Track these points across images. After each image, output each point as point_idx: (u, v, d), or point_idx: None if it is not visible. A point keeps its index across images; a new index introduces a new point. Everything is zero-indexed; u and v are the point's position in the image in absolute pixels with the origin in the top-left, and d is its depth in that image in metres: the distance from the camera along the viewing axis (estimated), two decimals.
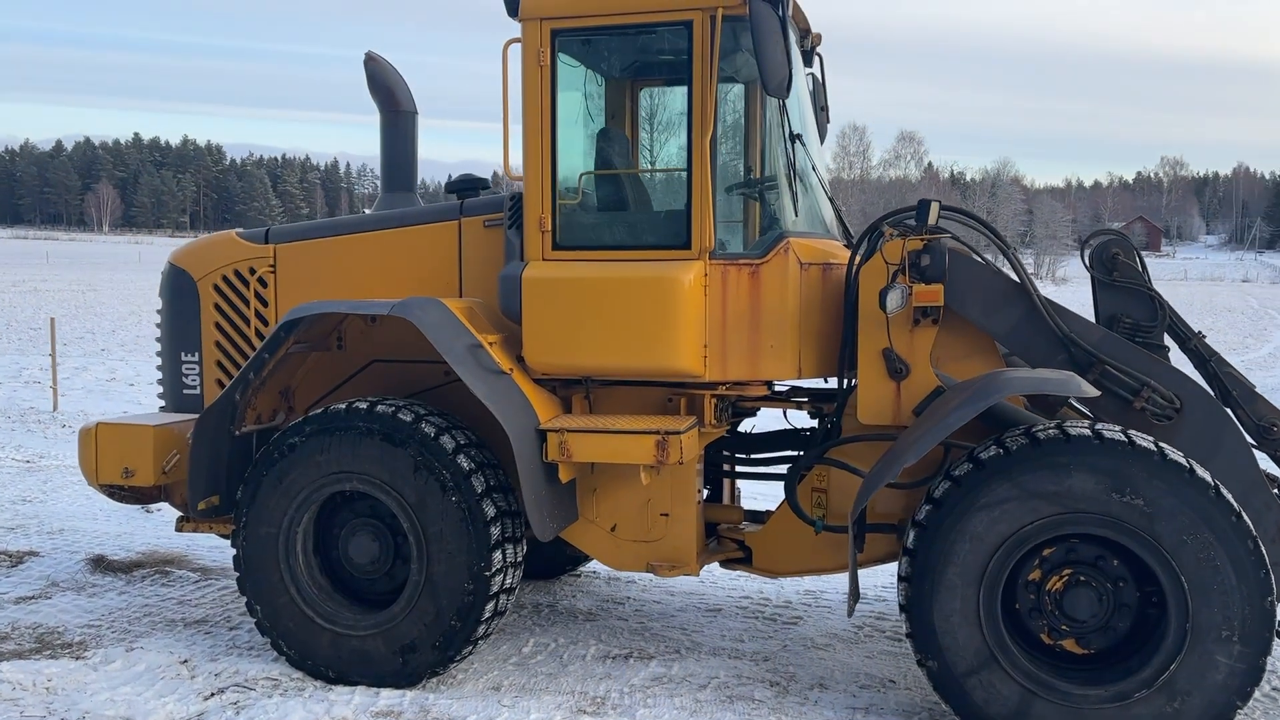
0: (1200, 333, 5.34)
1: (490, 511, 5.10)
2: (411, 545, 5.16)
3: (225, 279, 6.12)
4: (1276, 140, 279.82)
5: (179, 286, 6.21)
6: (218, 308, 6.14)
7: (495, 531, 5.11)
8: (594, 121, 5.99)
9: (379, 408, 5.21)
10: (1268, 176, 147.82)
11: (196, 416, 5.95)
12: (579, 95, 5.84)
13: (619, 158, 5.82)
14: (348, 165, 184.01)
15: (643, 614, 6.48)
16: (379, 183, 6.47)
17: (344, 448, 5.20)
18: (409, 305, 5.21)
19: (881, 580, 6.95)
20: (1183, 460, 4.35)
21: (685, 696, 5.18)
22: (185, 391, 6.22)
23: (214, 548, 7.79)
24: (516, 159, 5.37)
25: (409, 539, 5.17)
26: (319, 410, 5.34)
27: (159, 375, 6.36)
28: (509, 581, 5.28)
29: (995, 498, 4.47)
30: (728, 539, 5.84)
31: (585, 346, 5.24)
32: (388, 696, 5.13)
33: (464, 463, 5.11)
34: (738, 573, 6.96)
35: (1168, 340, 5.31)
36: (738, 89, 6.07)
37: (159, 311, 6.33)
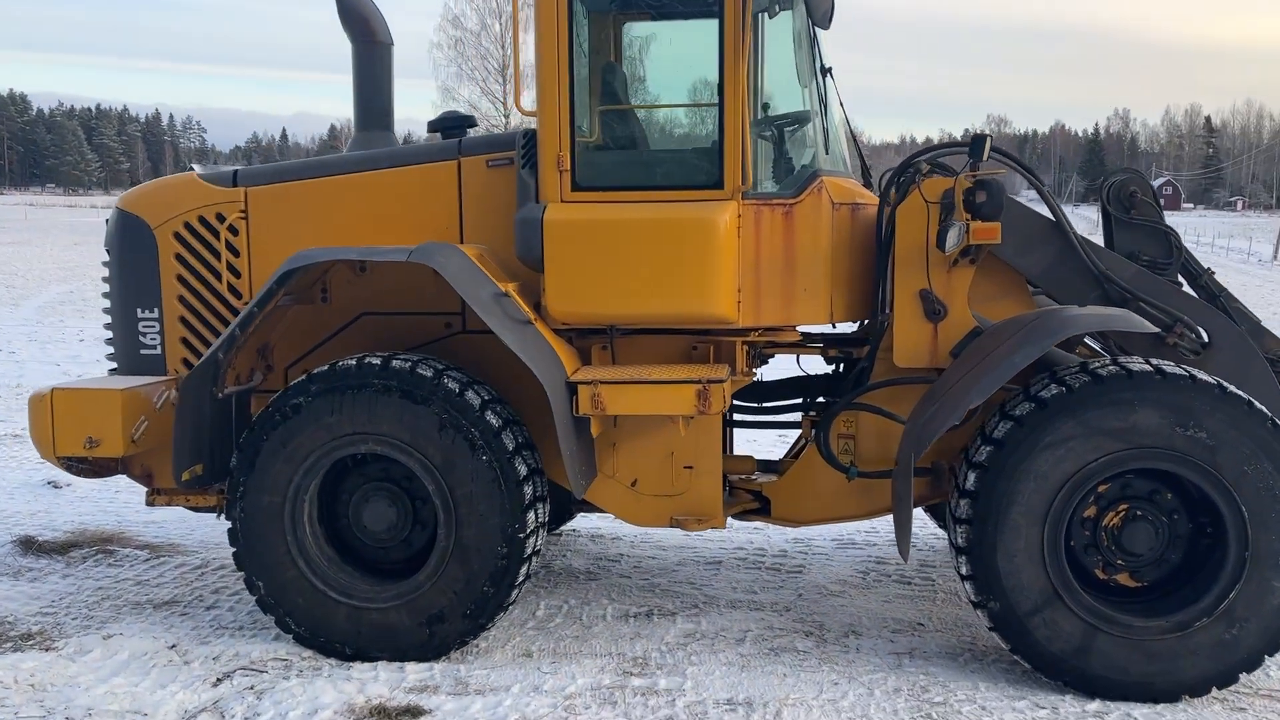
0: (1209, 269, 5.46)
1: (522, 470, 4.81)
2: (437, 509, 4.81)
3: (188, 226, 5.52)
4: (1090, 99, 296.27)
5: (132, 235, 5.58)
6: (180, 258, 5.54)
7: (528, 491, 4.82)
8: (605, 55, 5.65)
9: (394, 363, 4.81)
10: (1082, 134, 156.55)
11: (162, 379, 5.44)
12: (585, 28, 5.49)
13: (641, 93, 5.52)
14: (170, 117, 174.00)
15: (643, 570, 6.28)
16: (352, 121, 5.97)
17: (358, 407, 4.79)
18: (429, 250, 4.81)
19: (868, 524, 6.92)
20: (1242, 394, 4.42)
21: (728, 651, 5.03)
22: (143, 351, 5.61)
23: (151, 523, 7.17)
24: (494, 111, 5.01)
25: (434, 502, 4.82)
26: (323, 367, 4.90)
27: (109, 334, 5.73)
28: (539, 543, 5.00)
29: (1059, 436, 4.44)
30: (741, 490, 5.69)
31: (613, 293, 4.96)
32: (416, 671, 4.79)
33: (492, 419, 4.78)
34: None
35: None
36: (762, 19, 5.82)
37: (106, 264, 5.69)
